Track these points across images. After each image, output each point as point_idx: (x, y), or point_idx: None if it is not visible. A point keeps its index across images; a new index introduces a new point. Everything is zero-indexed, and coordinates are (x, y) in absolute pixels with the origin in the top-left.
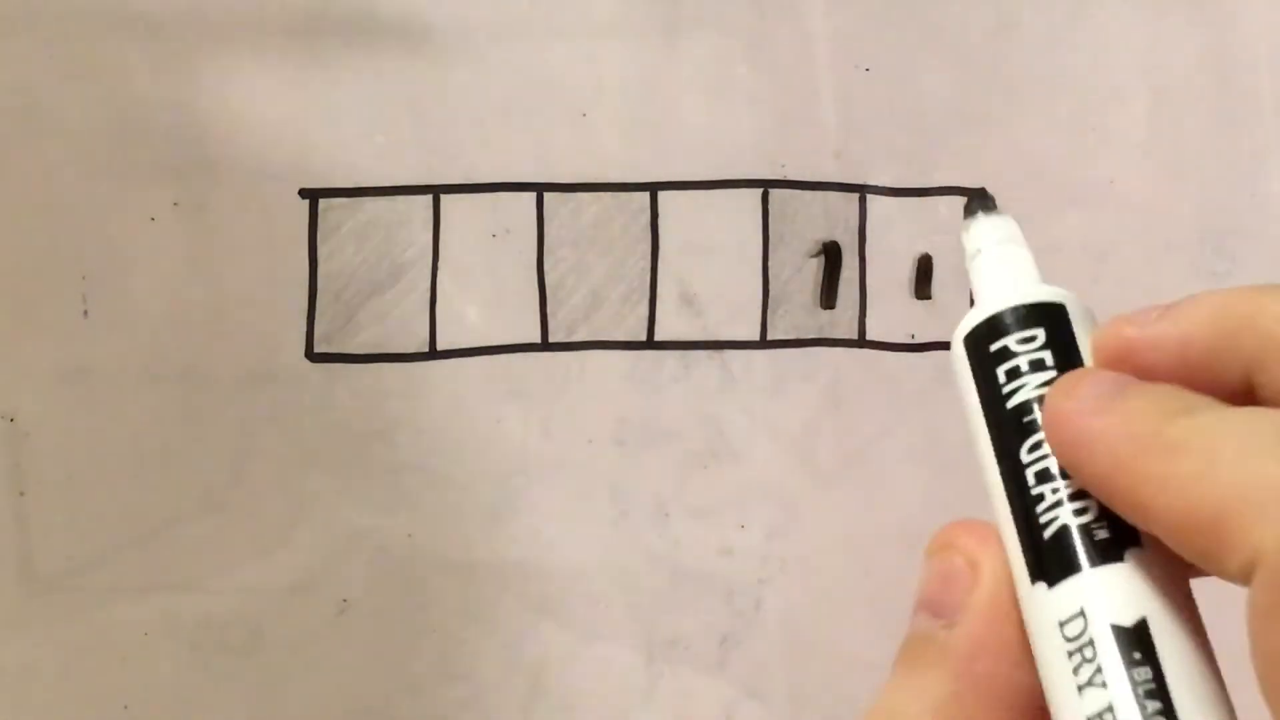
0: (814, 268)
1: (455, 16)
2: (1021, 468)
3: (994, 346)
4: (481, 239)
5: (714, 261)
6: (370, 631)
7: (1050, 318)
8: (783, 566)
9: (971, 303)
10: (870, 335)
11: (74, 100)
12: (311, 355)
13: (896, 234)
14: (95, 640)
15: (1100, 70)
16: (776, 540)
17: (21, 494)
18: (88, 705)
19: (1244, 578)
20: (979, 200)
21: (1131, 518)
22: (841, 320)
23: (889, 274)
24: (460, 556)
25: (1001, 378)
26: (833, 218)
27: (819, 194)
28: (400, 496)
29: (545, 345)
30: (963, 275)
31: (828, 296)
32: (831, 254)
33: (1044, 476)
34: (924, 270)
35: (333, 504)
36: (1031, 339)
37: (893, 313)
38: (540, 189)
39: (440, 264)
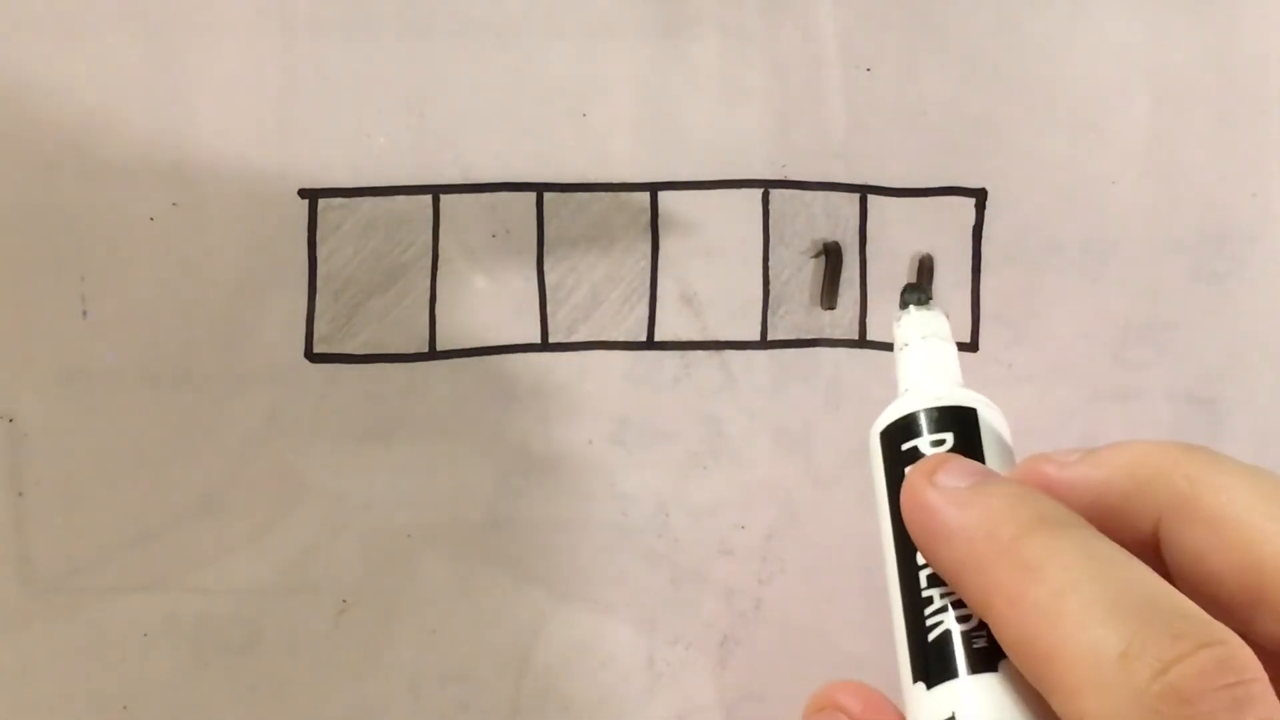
0: (814, 268)
1: (455, 16)
2: (916, 569)
3: (905, 446)
4: (481, 239)
5: (714, 261)
6: (370, 631)
7: (961, 422)
8: (783, 566)
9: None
10: (871, 335)
11: (74, 100)
12: (311, 355)
13: (897, 234)
14: (95, 640)
15: (1101, 70)
16: (776, 540)
17: (21, 494)
18: (87, 705)
19: None
20: (912, 293)
21: (973, 610)
22: (842, 320)
23: (889, 274)
24: (460, 557)
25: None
26: (833, 218)
27: (820, 194)
28: (400, 497)
29: (545, 345)
30: (963, 275)
31: (828, 296)
32: (832, 254)
33: (935, 580)
34: (924, 270)
35: (332, 504)
36: (940, 443)
37: (893, 313)
38: (540, 189)
39: (440, 264)
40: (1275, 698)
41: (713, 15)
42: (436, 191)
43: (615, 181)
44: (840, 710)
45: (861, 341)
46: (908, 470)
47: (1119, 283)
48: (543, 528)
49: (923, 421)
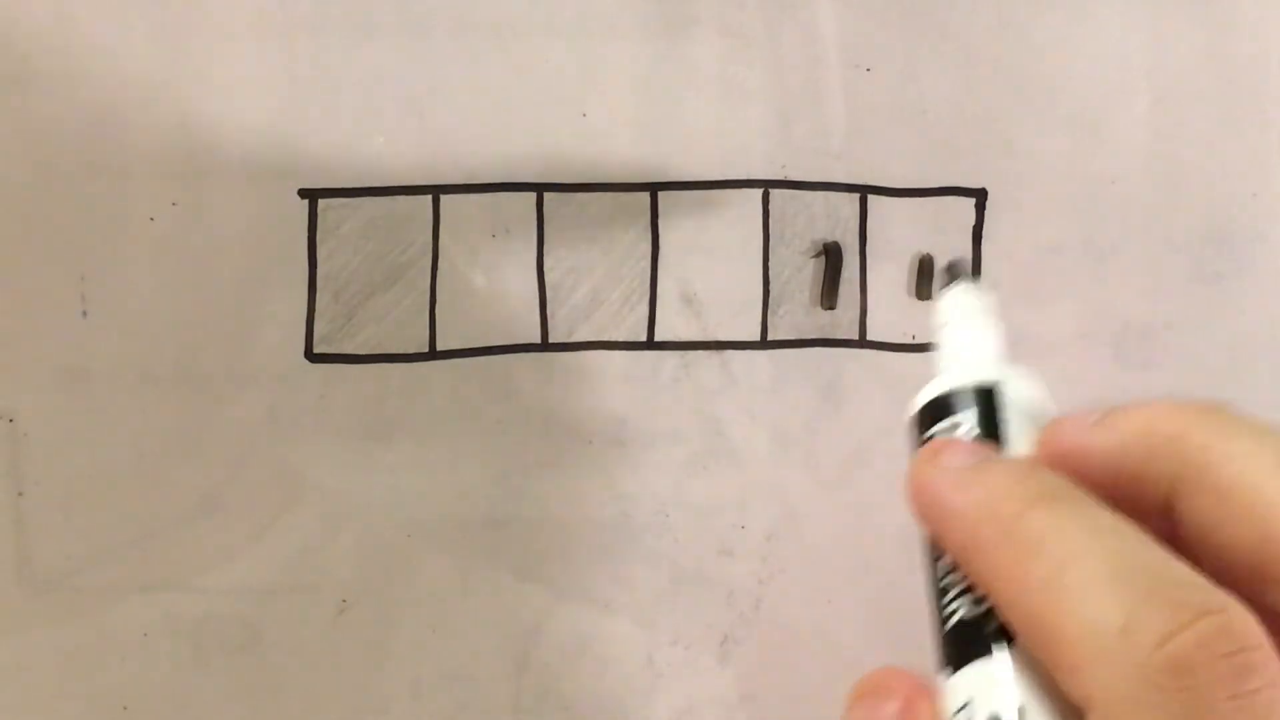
0: (814, 268)
1: (455, 16)
2: (935, 559)
3: (934, 428)
4: (481, 239)
5: (714, 261)
6: (370, 631)
7: (981, 401)
8: (783, 566)
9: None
10: (870, 335)
11: (74, 100)
12: (311, 355)
13: (897, 234)
14: (95, 640)
15: (1101, 70)
16: (776, 540)
17: (20, 494)
18: (87, 705)
19: (1080, 708)
20: (954, 270)
21: (981, 592)
22: (842, 320)
23: (889, 274)
24: (459, 557)
25: None
26: (833, 218)
27: (819, 194)
28: (400, 497)
29: (545, 345)
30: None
31: (828, 296)
32: (832, 254)
33: (950, 568)
34: (924, 270)
35: (332, 504)
36: (963, 423)
37: (893, 313)
38: (540, 189)
39: (440, 264)
40: (1278, 666)
41: (713, 15)
42: (436, 191)
43: (615, 181)
44: (888, 694)
45: (861, 341)
46: (913, 455)
47: (1119, 283)
48: (543, 528)
49: (946, 404)
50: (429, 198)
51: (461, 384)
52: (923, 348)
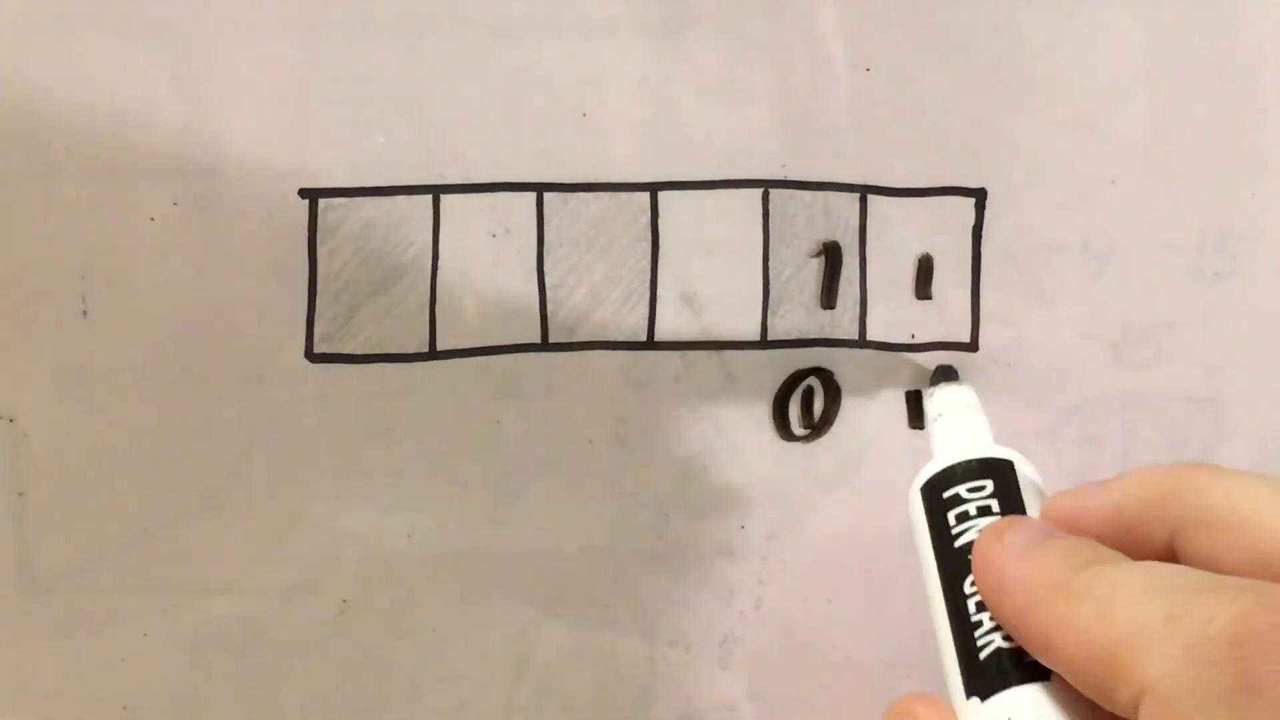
0: (814, 268)
1: (455, 16)
2: (964, 597)
3: (947, 493)
4: (481, 239)
5: (714, 261)
6: (370, 631)
7: (998, 472)
8: (783, 566)
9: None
10: (870, 335)
11: (74, 100)
12: (311, 355)
13: (897, 234)
14: (95, 641)
15: (1100, 70)
16: (776, 540)
17: (20, 494)
18: (87, 706)
19: (1132, 708)
20: (943, 373)
21: (1039, 655)
22: (841, 320)
23: (889, 274)
24: (460, 557)
25: (952, 520)
26: (833, 218)
27: (819, 194)
28: (400, 496)
29: (545, 345)
30: (963, 275)
31: (828, 296)
32: (832, 254)
33: (983, 606)
34: (924, 270)
35: (332, 504)
36: (980, 489)
37: (893, 313)
38: (540, 189)
39: (440, 264)
40: None
41: (713, 15)
42: (436, 191)
43: (615, 181)
44: (915, 717)
45: (861, 341)
46: (979, 531)
47: (1119, 283)
48: (543, 527)
49: (962, 472)
50: (429, 198)
51: (461, 384)
52: (922, 348)
